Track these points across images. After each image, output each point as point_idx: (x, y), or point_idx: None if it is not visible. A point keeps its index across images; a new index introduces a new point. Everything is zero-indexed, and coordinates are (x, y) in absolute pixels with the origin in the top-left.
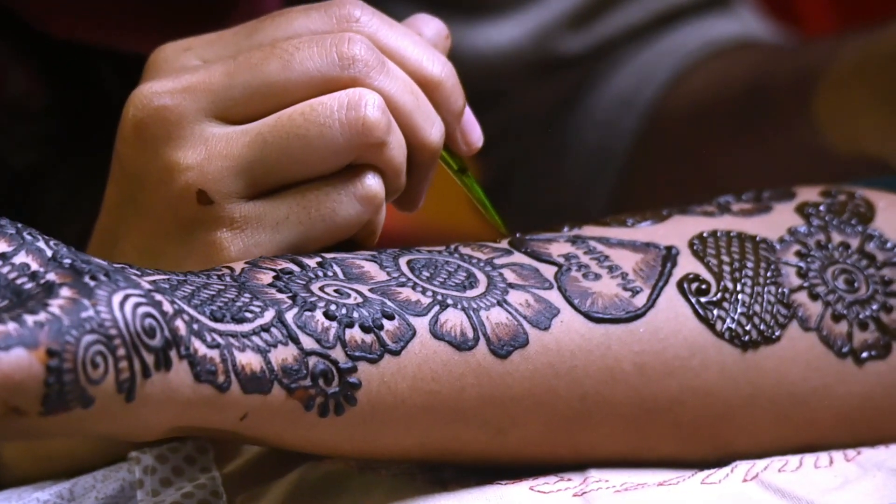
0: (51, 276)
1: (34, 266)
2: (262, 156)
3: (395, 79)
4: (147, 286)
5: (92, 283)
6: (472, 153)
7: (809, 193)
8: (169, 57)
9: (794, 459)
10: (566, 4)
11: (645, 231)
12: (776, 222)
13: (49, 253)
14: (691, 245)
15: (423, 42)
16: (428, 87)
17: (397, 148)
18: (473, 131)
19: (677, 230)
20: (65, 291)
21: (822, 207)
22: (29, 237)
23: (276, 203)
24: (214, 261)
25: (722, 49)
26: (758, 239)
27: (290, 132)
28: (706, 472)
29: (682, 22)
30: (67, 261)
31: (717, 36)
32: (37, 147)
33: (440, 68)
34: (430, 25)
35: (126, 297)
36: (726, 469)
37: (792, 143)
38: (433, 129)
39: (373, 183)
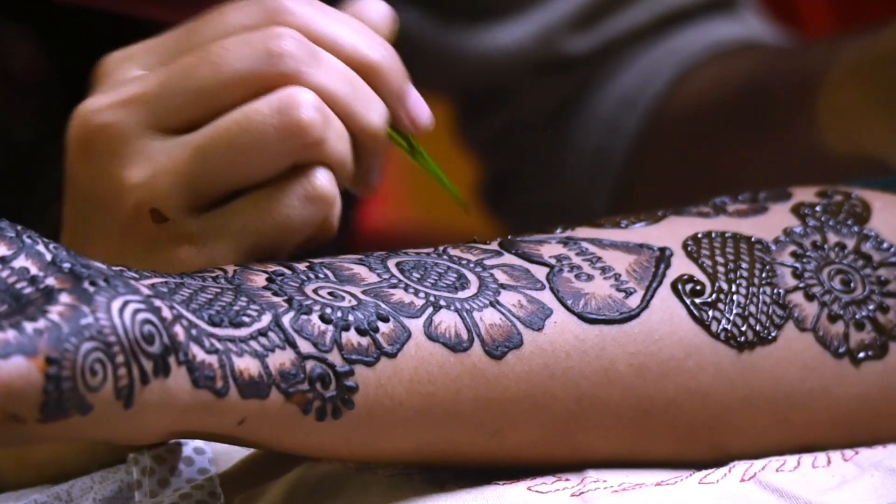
0: (50, 281)
1: (33, 270)
2: (205, 169)
3: (329, 69)
4: (146, 291)
5: (91, 289)
6: (420, 133)
7: (805, 194)
8: (111, 69)
9: (791, 459)
10: (570, 6)
11: (638, 232)
12: (772, 223)
13: (48, 257)
14: (685, 246)
15: (361, 26)
16: (366, 71)
17: (338, 141)
18: (421, 112)
19: (671, 231)
20: (64, 297)
21: (818, 208)
22: (28, 240)
23: (230, 213)
24: None
25: (725, 51)
26: (753, 240)
27: (228, 143)
28: (704, 472)
29: (687, 23)
30: (67, 265)
31: (720, 38)
32: (38, 120)
33: (378, 52)
34: (373, 8)
35: (125, 304)
36: (724, 469)
37: (793, 145)
38: (374, 115)
39: (323, 182)
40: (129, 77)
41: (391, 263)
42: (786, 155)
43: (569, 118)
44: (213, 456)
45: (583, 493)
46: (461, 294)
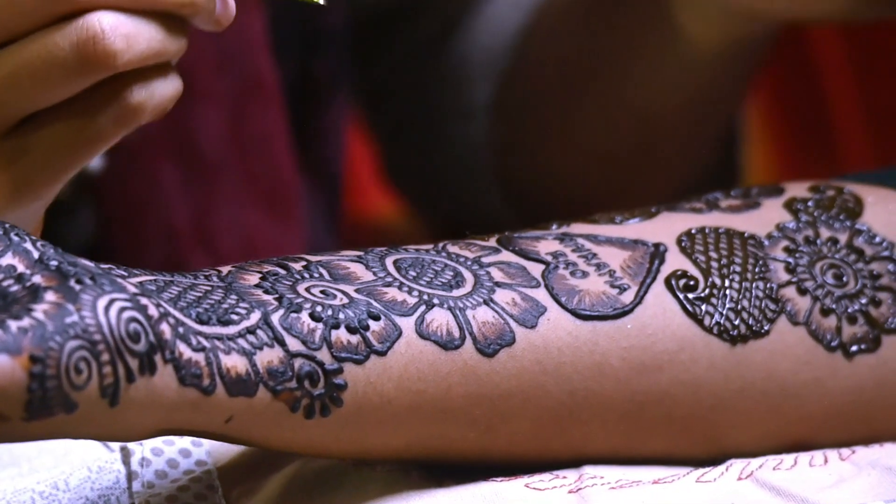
0: (37, 279)
1: (20, 268)
2: (7, 96)
3: None
4: (133, 289)
5: (77, 287)
6: None
7: (798, 189)
8: None
9: (788, 458)
10: None
11: (633, 228)
12: (764, 218)
13: (35, 254)
14: (679, 242)
15: None
16: None
17: (147, 47)
18: None
19: (665, 227)
20: (49, 296)
21: (810, 203)
22: (16, 238)
23: (39, 133)
24: None
25: None
26: (746, 235)
27: (33, 77)
28: (701, 471)
29: None
30: (54, 263)
31: None
32: None
33: None
34: None
35: (111, 302)
36: (721, 468)
37: (651, 35)
38: None
39: (134, 100)
40: None
41: (389, 261)
42: (648, 47)
43: (463, 30)
44: (210, 448)
45: (580, 489)
46: (455, 292)
